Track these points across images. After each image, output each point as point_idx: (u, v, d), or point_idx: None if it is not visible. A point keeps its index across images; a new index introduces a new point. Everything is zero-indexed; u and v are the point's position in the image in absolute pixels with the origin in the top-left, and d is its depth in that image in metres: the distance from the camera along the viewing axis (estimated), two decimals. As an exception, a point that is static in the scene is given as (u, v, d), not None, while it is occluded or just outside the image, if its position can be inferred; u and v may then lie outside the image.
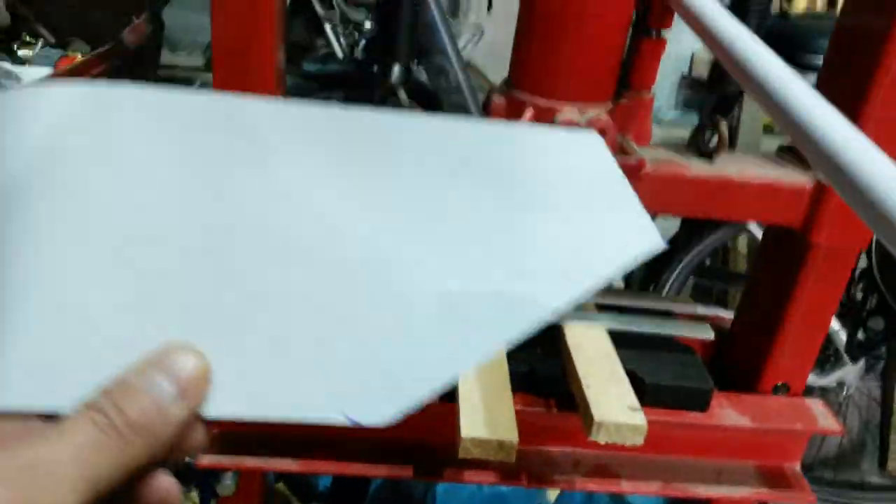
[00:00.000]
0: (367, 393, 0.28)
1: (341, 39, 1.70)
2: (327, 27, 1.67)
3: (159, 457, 0.27)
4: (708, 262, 1.60)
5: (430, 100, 1.56)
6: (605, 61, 0.50)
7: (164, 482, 0.29)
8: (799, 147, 0.30)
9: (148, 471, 0.28)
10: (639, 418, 0.53)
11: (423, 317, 0.29)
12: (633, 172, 0.50)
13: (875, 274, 1.35)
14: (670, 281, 1.47)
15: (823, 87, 0.58)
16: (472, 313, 0.29)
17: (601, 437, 0.53)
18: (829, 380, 1.53)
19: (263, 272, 0.29)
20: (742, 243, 1.81)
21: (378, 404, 0.28)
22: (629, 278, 1.60)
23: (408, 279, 0.29)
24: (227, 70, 0.49)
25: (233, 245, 0.29)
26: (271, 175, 0.29)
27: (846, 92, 0.54)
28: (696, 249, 1.45)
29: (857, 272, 1.41)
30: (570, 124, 0.48)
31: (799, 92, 0.31)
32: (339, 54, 1.72)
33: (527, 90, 0.51)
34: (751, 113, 1.77)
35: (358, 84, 1.62)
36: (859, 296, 1.42)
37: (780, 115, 0.31)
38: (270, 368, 0.29)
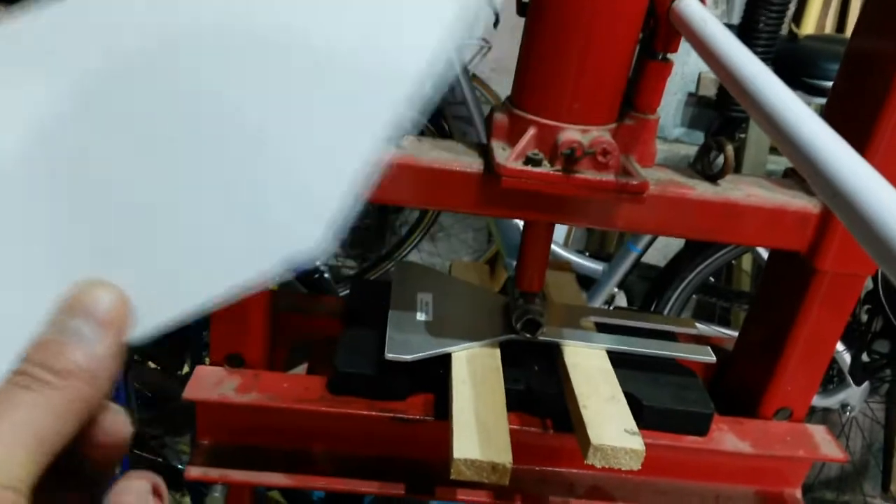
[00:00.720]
0: (283, 231, 0.27)
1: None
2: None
3: (104, 397, 0.26)
4: (711, 280, 1.59)
5: (435, 112, 1.56)
6: (609, 83, 0.49)
7: (114, 419, 0.28)
8: (802, 173, 0.29)
9: (94, 414, 0.27)
10: (636, 442, 0.52)
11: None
12: (637, 194, 0.49)
13: (881, 296, 1.34)
14: (673, 299, 1.46)
15: (833, 111, 0.57)
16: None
17: (598, 461, 0.52)
18: (833, 401, 1.51)
19: (124, 176, 0.27)
20: (746, 262, 1.80)
21: (302, 233, 0.26)
22: (631, 294, 1.59)
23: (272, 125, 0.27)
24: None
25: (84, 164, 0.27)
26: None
27: (856, 115, 0.54)
28: (699, 268, 1.44)
29: (863, 294, 1.40)
30: (572, 144, 0.48)
31: (803, 119, 0.30)
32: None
33: (529, 110, 0.50)
34: (757, 132, 1.76)
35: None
36: (864, 318, 1.41)
37: (784, 142, 0.30)
38: (183, 260, 0.27)
